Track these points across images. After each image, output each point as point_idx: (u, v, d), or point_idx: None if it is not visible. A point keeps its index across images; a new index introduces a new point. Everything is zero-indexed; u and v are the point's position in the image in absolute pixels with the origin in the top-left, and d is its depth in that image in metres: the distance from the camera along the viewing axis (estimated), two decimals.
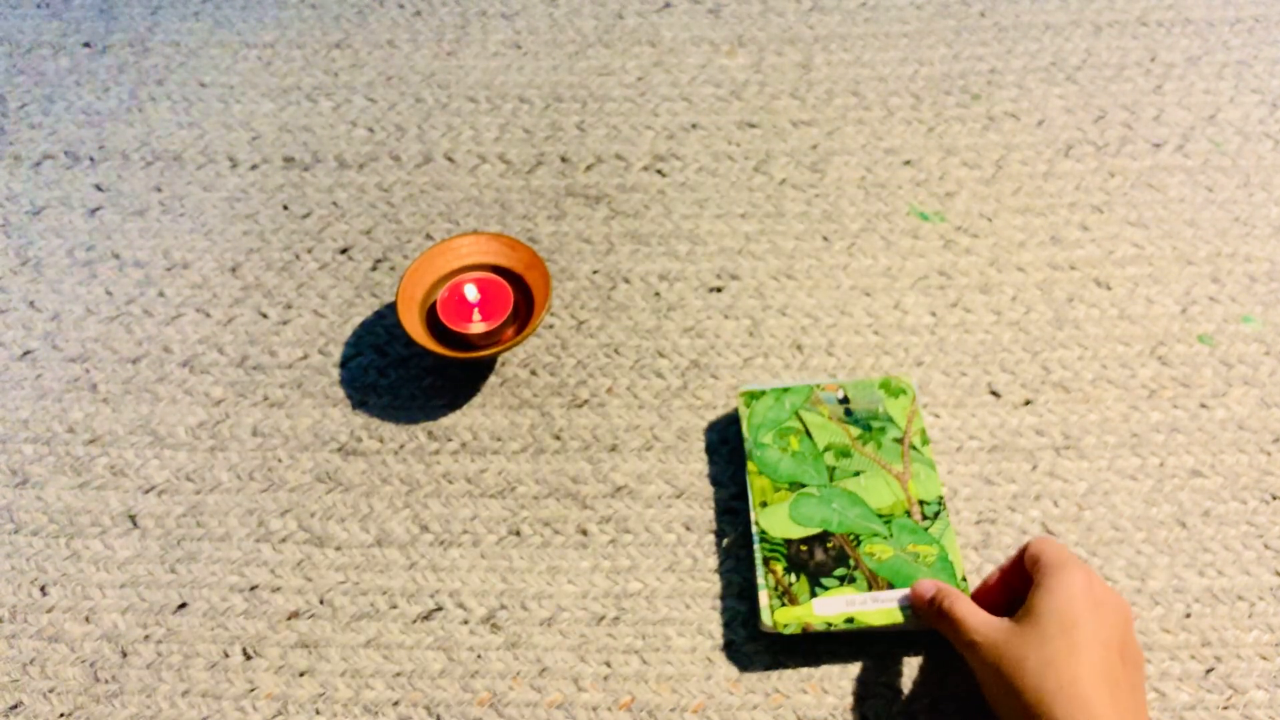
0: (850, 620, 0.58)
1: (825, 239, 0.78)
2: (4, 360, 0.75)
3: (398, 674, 0.62)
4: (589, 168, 0.83)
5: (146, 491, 0.69)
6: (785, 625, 0.58)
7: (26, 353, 0.75)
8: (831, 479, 0.63)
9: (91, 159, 0.85)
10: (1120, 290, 0.75)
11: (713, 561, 0.65)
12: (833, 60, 0.88)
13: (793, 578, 0.60)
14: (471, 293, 0.71)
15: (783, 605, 0.59)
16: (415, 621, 0.64)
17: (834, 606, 0.59)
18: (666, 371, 0.73)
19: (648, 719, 0.60)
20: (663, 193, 0.81)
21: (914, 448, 0.64)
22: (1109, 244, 0.77)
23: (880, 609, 0.59)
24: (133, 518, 0.68)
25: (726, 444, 0.70)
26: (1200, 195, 0.79)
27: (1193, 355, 0.72)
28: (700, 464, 0.69)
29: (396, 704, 0.61)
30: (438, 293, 0.72)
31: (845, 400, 0.66)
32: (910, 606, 0.58)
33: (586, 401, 0.72)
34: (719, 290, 0.76)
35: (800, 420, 0.65)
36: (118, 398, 0.73)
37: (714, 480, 0.68)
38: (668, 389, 0.72)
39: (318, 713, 0.61)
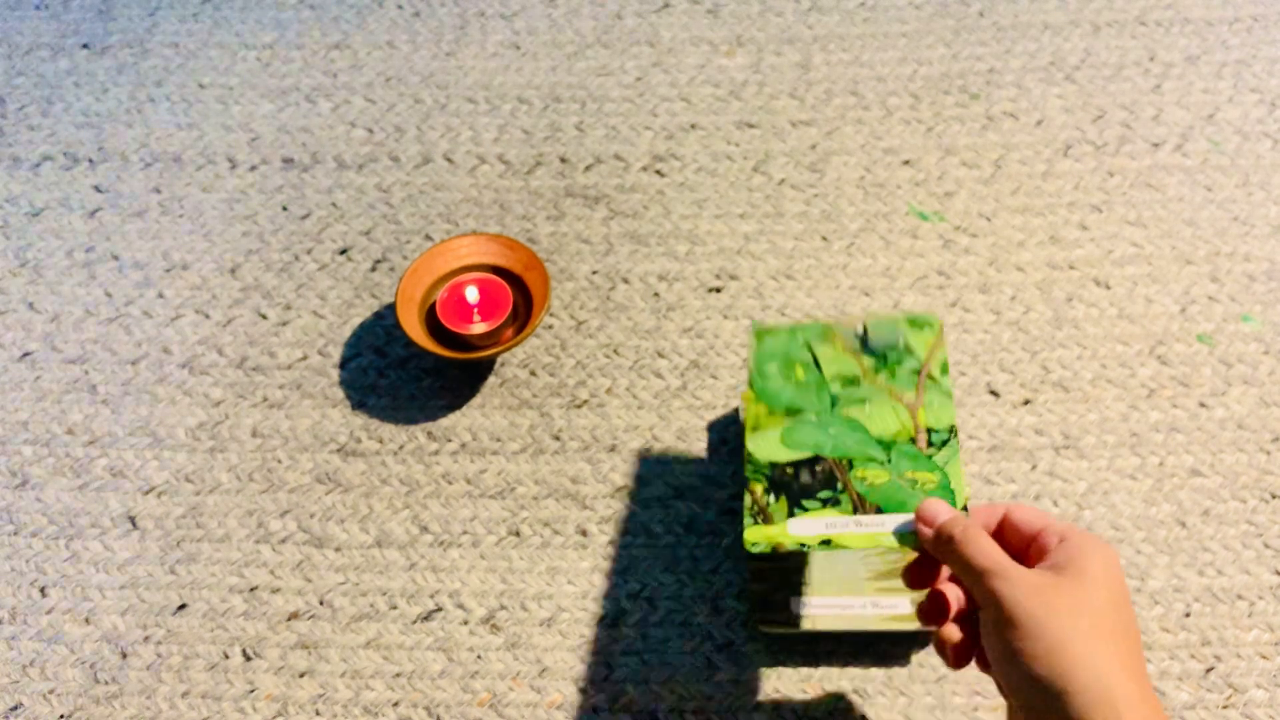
0: (827, 543, 0.52)
1: (824, 239, 0.78)
2: (3, 362, 0.75)
3: (397, 675, 0.62)
4: (588, 168, 0.83)
5: (146, 493, 0.69)
6: (754, 544, 0.53)
7: (26, 354, 0.75)
8: (834, 407, 0.58)
9: (90, 160, 0.85)
10: (1119, 290, 0.75)
11: (712, 562, 0.65)
12: (831, 60, 0.88)
13: (771, 498, 0.55)
14: (471, 293, 0.71)
15: (756, 523, 0.54)
16: (415, 622, 0.64)
17: (811, 528, 0.53)
18: (666, 372, 0.73)
19: (647, 719, 0.60)
20: (662, 193, 0.81)
21: (931, 378, 0.58)
22: (1108, 243, 0.77)
23: (863, 533, 0.52)
24: (132, 519, 0.68)
25: (726, 444, 0.70)
26: (1199, 195, 0.79)
27: (1192, 355, 0.72)
28: (700, 464, 0.69)
29: (396, 705, 0.61)
30: (437, 293, 0.72)
31: (864, 334, 0.60)
32: (910, 531, 0.51)
33: (586, 402, 0.72)
34: (718, 290, 0.76)
35: (810, 351, 0.60)
36: (117, 399, 0.73)
37: (714, 480, 0.68)
38: (667, 389, 0.72)
39: (317, 714, 0.61)
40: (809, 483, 0.55)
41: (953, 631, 0.48)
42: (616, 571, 0.65)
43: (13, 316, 0.77)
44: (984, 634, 0.46)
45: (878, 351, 0.59)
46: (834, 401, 0.58)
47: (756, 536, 0.53)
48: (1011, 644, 0.43)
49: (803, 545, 0.53)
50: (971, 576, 0.46)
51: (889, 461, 0.55)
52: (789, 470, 0.56)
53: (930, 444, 0.56)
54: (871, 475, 0.55)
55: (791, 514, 0.54)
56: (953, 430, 0.56)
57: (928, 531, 0.50)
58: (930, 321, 0.60)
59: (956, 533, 0.48)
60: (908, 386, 0.58)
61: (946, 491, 0.53)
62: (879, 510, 0.53)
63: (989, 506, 0.50)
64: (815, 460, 0.56)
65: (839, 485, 0.55)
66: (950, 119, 0.84)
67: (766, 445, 0.57)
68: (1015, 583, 0.44)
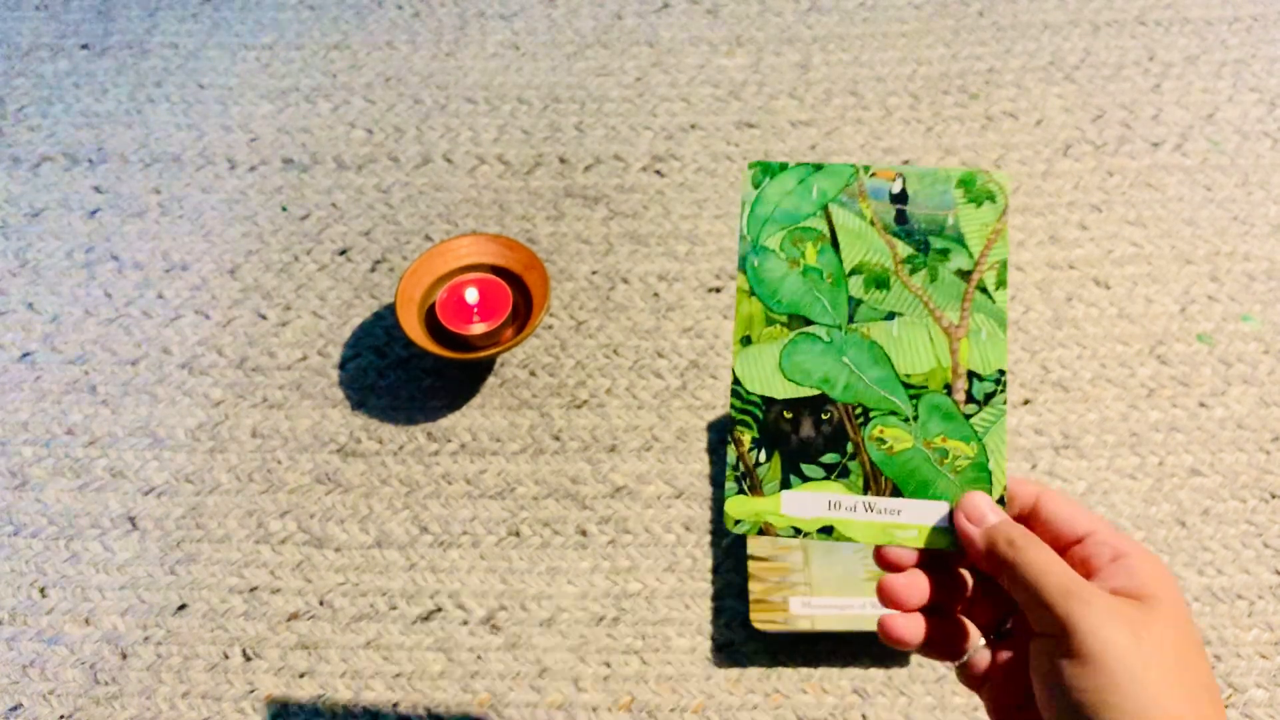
0: (829, 530, 0.42)
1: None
2: (3, 362, 0.75)
3: (397, 675, 0.62)
4: (588, 168, 0.83)
5: (146, 493, 0.69)
6: (737, 522, 0.42)
7: (25, 355, 0.75)
8: (853, 318, 0.44)
9: (90, 161, 0.85)
10: (1119, 289, 0.75)
11: (712, 562, 0.65)
12: (831, 60, 0.88)
13: (761, 454, 0.43)
14: (470, 294, 0.71)
15: (740, 491, 0.43)
16: (415, 623, 0.64)
17: (810, 506, 0.42)
18: (666, 372, 0.73)
19: (648, 719, 0.60)
20: (661, 193, 0.81)
21: (984, 290, 0.43)
22: (1108, 243, 0.77)
23: (874, 522, 0.42)
24: (132, 519, 0.68)
25: (726, 443, 0.70)
26: (1199, 194, 0.79)
27: (1192, 354, 0.72)
28: (700, 464, 0.69)
29: (396, 705, 0.61)
30: (437, 294, 0.72)
31: (902, 197, 0.44)
32: (945, 529, 0.41)
33: (586, 402, 0.72)
34: (718, 290, 0.76)
35: (828, 218, 0.45)
36: (117, 399, 0.73)
37: (714, 480, 0.68)
38: (667, 389, 0.72)
39: (317, 714, 0.61)
40: (811, 438, 0.43)
41: (982, 659, 0.40)
42: (616, 571, 0.65)
43: (12, 317, 0.77)
44: (1035, 664, 0.37)
45: (917, 230, 0.44)
46: (854, 309, 0.44)
47: (741, 511, 0.43)
48: (1075, 680, 0.35)
49: (797, 531, 0.42)
50: (1031, 595, 0.37)
51: (915, 418, 0.43)
52: (786, 415, 0.43)
53: (971, 397, 0.43)
54: (893, 437, 0.43)
55: (787, 483, 0.43)
56: (1001, 379, 0.43)
57: (973, 532, 0.40)
58: (992, 191, 0.44)
59: (1016, 538, 0.38)
60: (950, 298, 0.43)
61: (982, 472, 0.42)
62: (895, 490, 0.42)
63: (1015, 483, 0.42)
64: (822, 402, 0.43)
65: (849, 447, 0.43)
66: (950, 119, 0.84)
67: (761, 369, 0.44)
68: (1094, 608, 0.35)
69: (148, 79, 0.89)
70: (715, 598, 0.64)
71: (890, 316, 0.44)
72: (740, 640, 0.63)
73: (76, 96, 0.89)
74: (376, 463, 0.70)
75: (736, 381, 0.44)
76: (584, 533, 0.67)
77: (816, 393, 0.44)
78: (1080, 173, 0.81)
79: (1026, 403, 0.70)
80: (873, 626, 0.59)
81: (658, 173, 0.82)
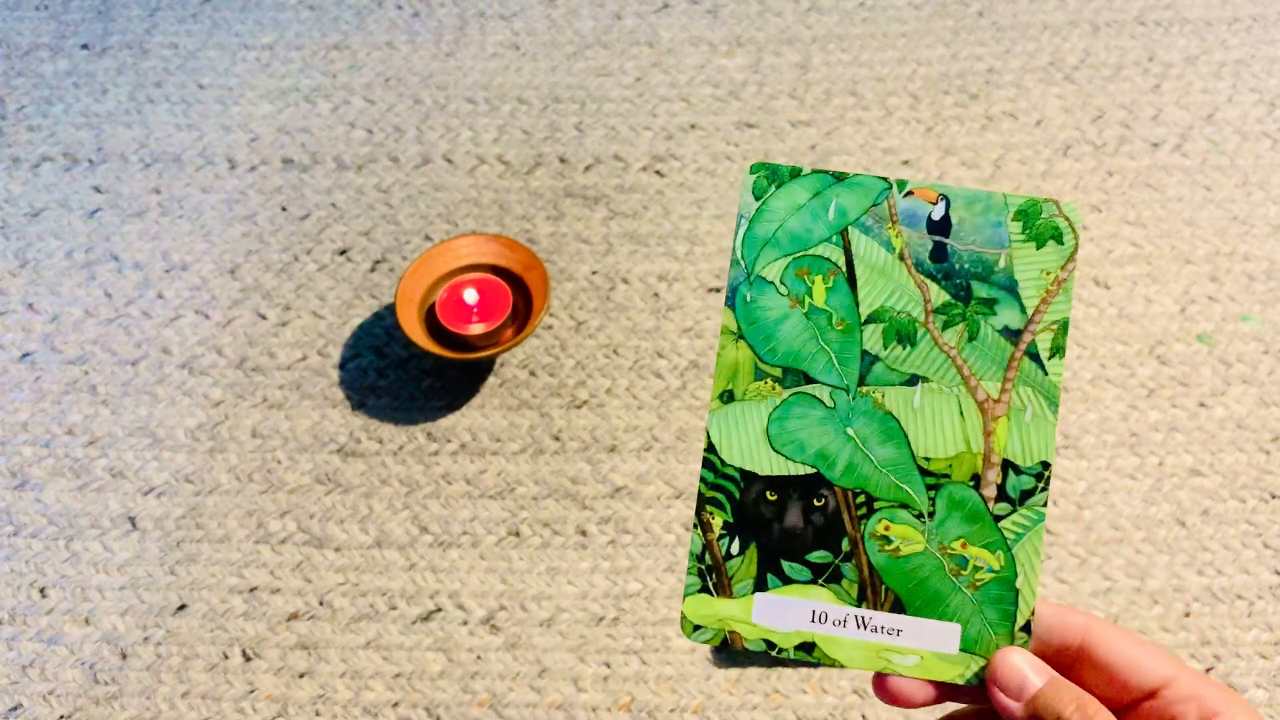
0: (809, 648, 0.34)
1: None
2: (3, 362, 0.75)
3: (397, 675, 0.62)
4: (587, 168, 0.83)
5: (146, 493, 0.69)
6: (696, 628, 0.34)
7: (25, 355, 0.75)
8: (865, 380, 0.35)
9: (90, 161, 0.85)
10: (1119, 289, 0.75)
11: None
12: (831, 60, 0.88)
13: (734, 544, 0.35)
14: (470, 294, 0.71)
15: (704, 589, 0.34)
16: (415, 623, 0.64)
17: (789, 616, 0.34)
18: (666, 372, 0.73)
19: (647, 719, 0.60)
20: (661, 193, 0.81)
21: (1034, 357, 0.34)
22: (1107, 243, 0.77)
23: (867, 643, 0.34)
24: (132, 519, 0.68)
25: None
26: (1199, 194, 0.79)
27: (1191, 354, 0.72)
28: (700, 464, 0.69)
29: (396, 705, 0.61)
30: (436, 294, 0.72)
31: (943, 226, 0.35)
32: (975, 680, 0.33)
33: (585, 402, 0.72)
34: (718, 290, 0.76)
35: (845, 246, 0.35)
36: (117, 399, 0.73)
37: None
38: (667, 389, 0.72)
39: (317, 714, 0.61)
40: (798, 528, 0.35)
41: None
42: (616, 571, 0.65)
43: (12, 317, 0.77)
44: None
45: (958, 271, 0.35)
46: (867, 368, 0.35)
47: (702, 614, 0.34)
48: None
49: (771, 646, 0.34)
50: None
51: (930, 514, 0.34)
52: (770, 497, 0.35)
53: (1004, 494, 0.34)
54: (899, 535, 0.34)
55: (763, 583, 0.34)
56: (1045, 473, 0.34)
57: (1013, 709, 0.30)
58: (1059, 228, 0.35)
59: (1075, 714, 0.29)
60: (991, 364, 0.34)
61: (1007, 591, 0.33)
62: (896, 604, 0.34)
63: (1057, 612, 0.32)
64: (816, 484, 0.35)
65: (844, 544, 0.34)
66: (949, 119, 0.84)
67: (743, 435, 0.36)
68: None
69: (148, 79, 0.89)
70: None
71: (913, 381, 0.35)
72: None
73: (76, 96, 0.89)
74: (376, 463, 0.70)
75: (711, 448, 0.35)
76: (584, 533, 0.67)
77: (810, 471, 0.35)
78: (1080, 173, 0.81)
79: None
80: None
81: (658, 173, 0.82)
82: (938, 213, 0.35)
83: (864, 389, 0.35)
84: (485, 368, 0.74)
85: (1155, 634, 0.62)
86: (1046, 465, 0.34)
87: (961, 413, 0.34)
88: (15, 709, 0.62)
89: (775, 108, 0.85)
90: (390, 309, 0.76)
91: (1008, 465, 0.34)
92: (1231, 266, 0.76)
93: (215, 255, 0.79)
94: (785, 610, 0.34)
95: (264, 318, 0.76)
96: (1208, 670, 0.61)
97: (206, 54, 0.91)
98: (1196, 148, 0.82)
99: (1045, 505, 0.34)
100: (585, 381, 0.73)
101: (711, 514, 0.35)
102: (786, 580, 0.34)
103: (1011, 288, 0.34)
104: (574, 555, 0.66)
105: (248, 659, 0.63)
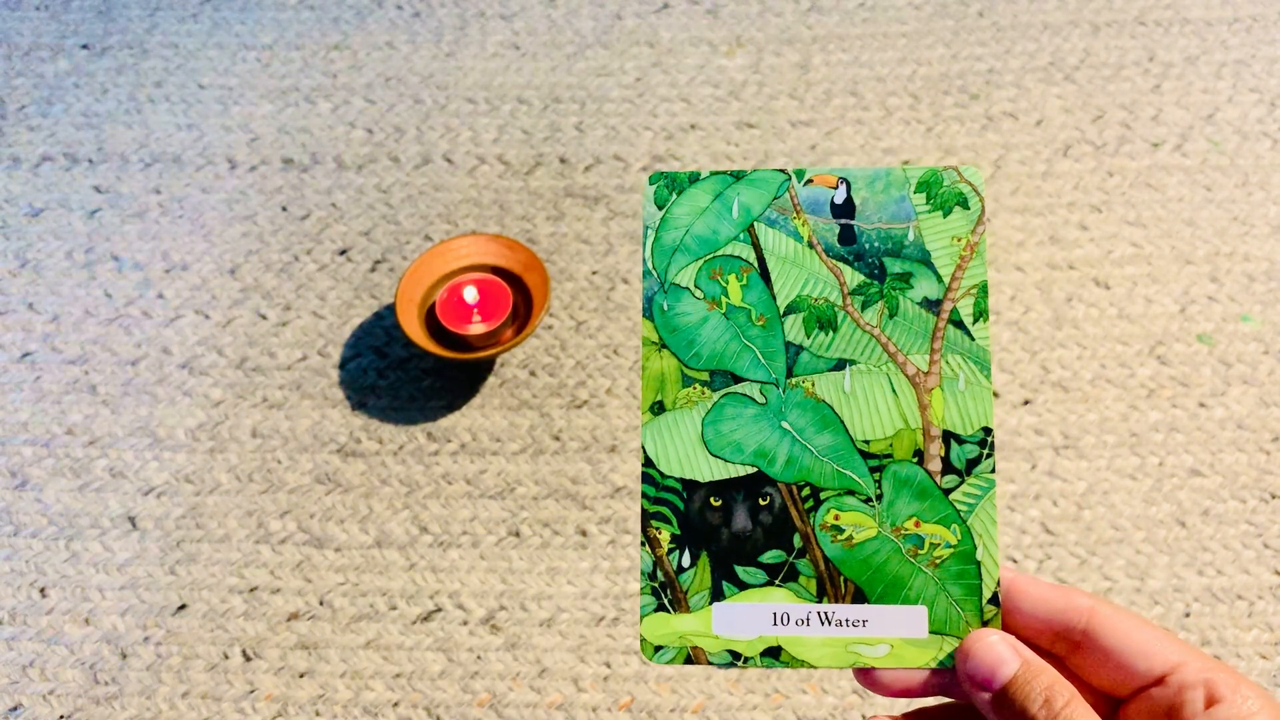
0: (775, 653, 0.33)
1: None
2: (3, 362, 0.75)
3: (397, 675, 0.62)
4: (588, 168, 0.83)
5: (146, 493, 0.69)
6: (657, 649, 0.33)
7: (25, 355, 0.75)
8: (793, 371, 0.34)
9: (90, 161, 0.85)
10: (1119, 290, 0.75)
11: None
12: (831, 60, 0.88)
13: (684, 557, 0.34)
14: (470, 294, 0.71)
15: (660, 608, 0.33)
16: (415, 623, 0.64)
17: (750, 622, 0.33)
18: None
19: (647, 719, 0.60)
20: None
21: (958, 324, 0.34)
22: (1108, 243, 0.77)
23: (833, 639, 0.33)
24: (132, 519, 0.68)
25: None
26: (1199, 194, 0.79)
27: (1191, 354, 0.72)
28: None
29: (396, 705, 0.61)
30: (437, 294, 0.72)
31: (847, 208, 0.35)
32: (956, 671, 0.31)
33: (586, 402, 0.72)
34: None
35: (754, 241, 0.35)
36: (117, 399, 0.73)
37: None
38: None
39: (317, 714, 0.61)
40: (747, 530, 0.34)
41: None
42: (616, 571, 0.65)
43: (12, 317, 0.77)
44: None
45: (868, 251, 0.35)
46: (793, 360, 0.34)
47: (661, 633, 0.33)
48: None
49: (736, 656, 0.33)
50: None
51: (878, 497, 0.33)
52: (714, 503, 0.34)
53: (949, 465, 0.33)
54: (850, 523, 0.33)
55: (719, 593, 0.33)
56: (988, 438, 0.33)
57: (983, 698, 0.29)
58: (962, 193, 0.34)
59: (1053, 699, 0.28)
60: (916, 337, 0.34)
61: (968, 564, 0.32)
62: (858, 594, 0.33)
63: (1062, 594, 0.30)
64: (759, 483, 0.34)
65: (796, 540, 0.33)
66: (950, 119, 0.84)
67: (679, 444, 0.35)
68: None
69: (148, 79, 0.89)
70: None
71: (840, 366, 0.34)
72: None
73: (76, 96, 0.89)
74: (376, 463, 0.70)
75: (648, 462, 0.34)
76: (584, 533, 0.67)
77: (751, 470, 0.34)
78: (1080, 173, 0.81)
79: (1027, 403, 0.70)
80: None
81: None
82: (839, 196, 0.35)
83: (793, 380, 0.34)
84: (485, 368, 0.74)
85: None
86: (988, 431, 0.33)
87: (894, 390, 0.34)
88: (15, 709, 0.62)
89: (775, 108, 0.85)
90: (390, 309, 0.76)
91: (949, 436, 0.33)
92: (1231, 267, 0.76)
93: (215, 255, 0.79)
94: (745, 616, 0.33)
95: (264, 318, 0.76)
96: None
97: (207, 54, 0.91)
98: (1197, 148, 0.82)
99: (994, 471, 0.33)
100: (585, 381, 0.73)
101: (658, 529, 0.34)
102: (742, 585, 0.33)
103: (925, 259, 0.34)
104: (574, 555, 0.66)
105: (248, 659, 0.63)
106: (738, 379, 0.34)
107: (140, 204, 0.82)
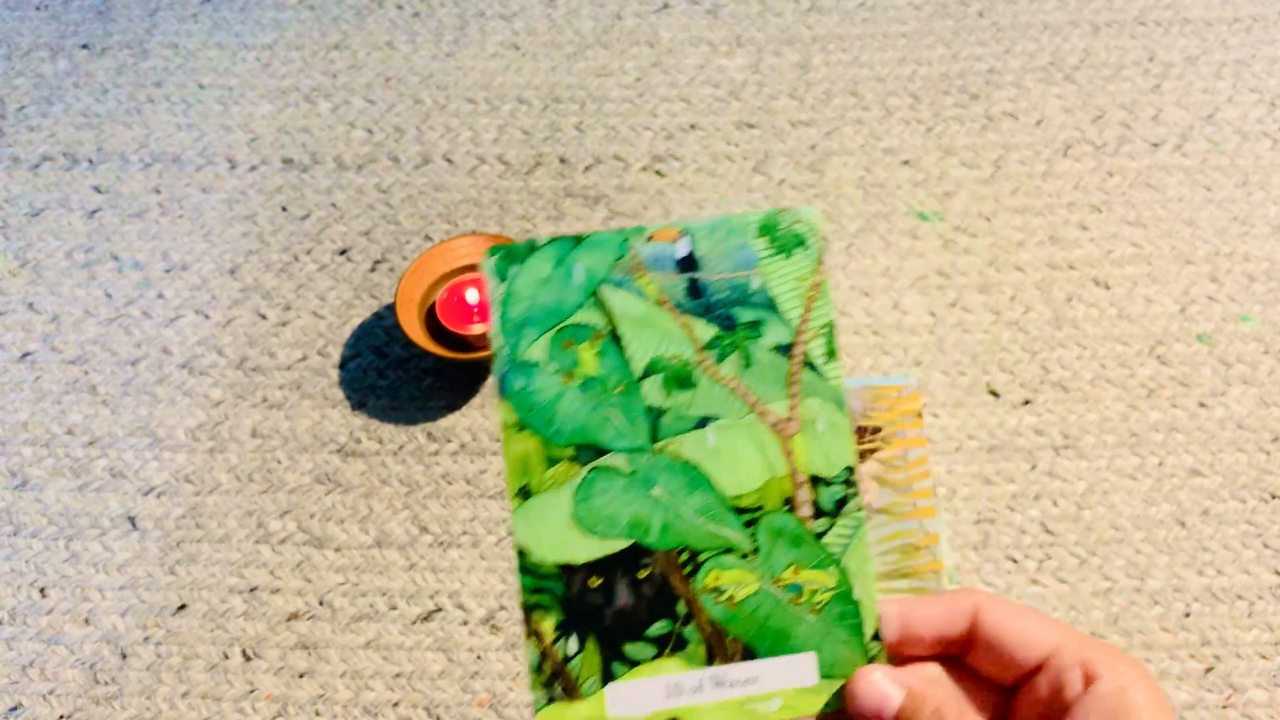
0: None
1: (824, 239, 0.78)
2: (3, 362, 0.75)
3: (397, 675, 0.62)
4: (588, 168, 0.83)
5: (146, 493, 0.69)
6: None
7: (25, 355, 0.75)
8: (656, 435, 0.34)
9: (90, 161, 0.85)
10: (1119, 290, 0.75)
11: None
12: (831, 60, 0.88)
13: (570, 643, 0.33)
14: (470, 294, 0.71)
15: (551, 699, 0.33)
16: (415, 623, 0.64)
17: (644, 699, 0.33)
18: None
19: None
20: (662, 193, 0.81)
21: (812, 366, 0.34)
22: (1108, 243, 0.77)
23: (727, 702, 0.32)
24: (132, 519, 0.68)
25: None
26: (1199, 194, 0.79)
27: (1191, 354, 0.72)
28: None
29: (396, 705, 0.61)
30: (437, 294, 0.72)
31: (690, 262, 0.34)
32: (847, 713, 0.32)
33: None
34: None
35: (602, 308, 0.34)
36: (117, 399, 0.73)
37: None
38: None
39: (317, 714, 0.61)
40: (630, 606, 0.33)
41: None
42: None
43: (12, 317, 0.77)
44: None
45: (716, 303, 0.34)
46: (656, 423, 0.34)
47: None
48: None
49: None
50: None
51: (755, 551, 0.33)
52: (594, 583, 0.33)
53: (819, 509, 0.33)
54: (731, 582, 0.33)
55: (609, 674, 0.33)
56: (850, 477, 0.34)
57: None
58: (800, 234, 0.35)
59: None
60: (773, 384, 0.34)
61: (847, 605, 0.33)
62: (747, 651, 0.33)
63: (945, 601, 0.32)
64: (637, 556, 0.33)
65: (679, 608, 0.33)
66: (950, 119, 0.84)
67: (550, 527, 0.33)
68: None
69: (148, 79, 0.89)
70: None
71: (703, 423, 0.34)
72: None
73: (76, 96, 0.89)
74: (376, 463, 0.70)
75: (522, 552, 0.33)
76: None
77: (627, 543, 0.33)
78: (1080, 173, 0.81)
79: (1026, 403, 0.70)
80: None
81: (658, 173, 0.82)
82: (682, 250, 0.34)
83: (658, 445, 0.33)
84: (485, 368, 0.74)
85: (1155, 634, 0.62)
86: (851, 469, 0.33)
87: (758, 441, 0.34)
88: (15, 709, 0.62)
89: (775, 108, 0.85)
90: (390, 309, 0.76)
91: (816, 480, 0.33)
92: (1231, 267, 0.76)
93: (215, 255, 0.79)
94: (638, 694, 0.33)
95: (264, 318, 0.76)
96: (1207, 671, 0.61)
97: (207, 53, 0.91)
98: (1197, 148, 0.82)
99: (862, 509, 0.33)
100: None
101: (540, 619, 0.33)
102: (632, 663, 0.33)
103: (772, 305, 0.34)
104: None
105: (248, 659, 0.63)
106: (603, 451, 0.33)
107: (140, 204, 0.82)
